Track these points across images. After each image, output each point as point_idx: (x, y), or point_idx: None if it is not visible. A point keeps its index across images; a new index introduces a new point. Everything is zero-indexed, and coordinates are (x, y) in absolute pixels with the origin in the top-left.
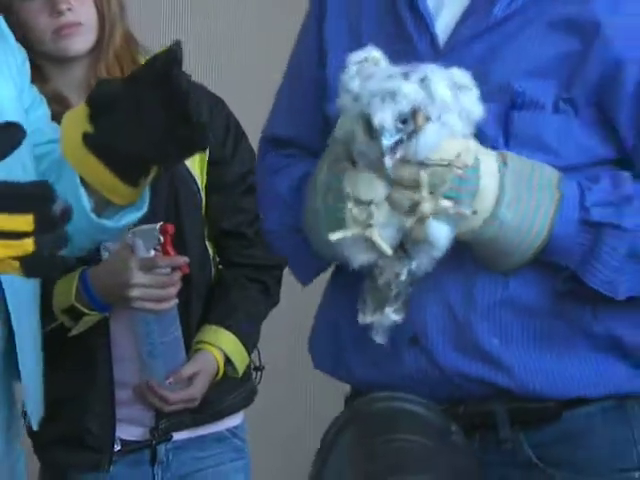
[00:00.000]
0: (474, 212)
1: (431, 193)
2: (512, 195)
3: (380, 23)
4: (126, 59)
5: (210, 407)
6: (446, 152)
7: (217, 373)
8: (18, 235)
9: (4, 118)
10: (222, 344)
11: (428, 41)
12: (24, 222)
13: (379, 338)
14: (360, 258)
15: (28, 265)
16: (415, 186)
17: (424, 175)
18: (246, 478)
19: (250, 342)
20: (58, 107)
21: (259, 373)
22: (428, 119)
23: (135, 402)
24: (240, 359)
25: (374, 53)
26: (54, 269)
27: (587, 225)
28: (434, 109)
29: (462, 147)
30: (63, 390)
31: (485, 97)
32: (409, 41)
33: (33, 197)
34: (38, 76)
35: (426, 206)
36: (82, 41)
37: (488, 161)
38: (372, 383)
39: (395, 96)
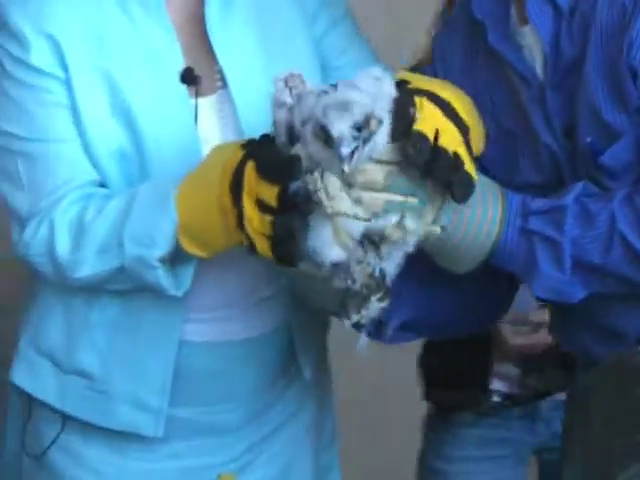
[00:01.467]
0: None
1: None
2: None
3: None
4: None
5: None
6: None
7: None
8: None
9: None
10: None
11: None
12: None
13: (362, 342)
14: (332, 254)
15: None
16: (377, 188)
17: (382, 177)
18: None
19: None
20: None
21: None
22: (380, 122)
23: None
24: None
25: (296, 70)
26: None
27: (526, 233)
28: (384, 112)
29: None
30: None
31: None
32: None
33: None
34: None
35: (395, 204)
36: None
37: None
38: None
39: (348, 106)
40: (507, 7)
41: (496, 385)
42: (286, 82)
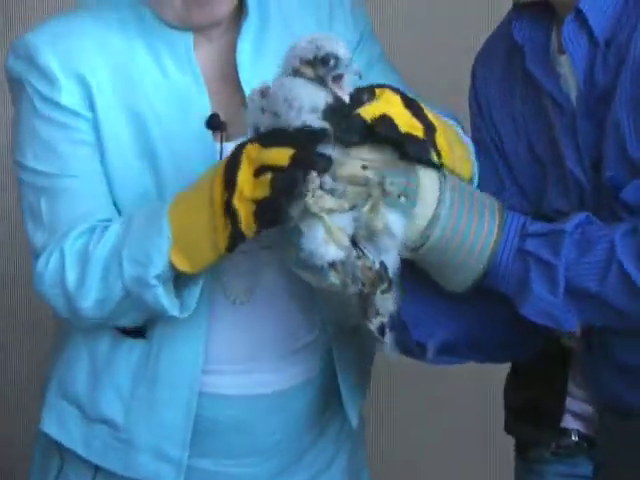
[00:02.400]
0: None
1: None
2: (453, 198)
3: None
4: None
5: None
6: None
7: None
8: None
9: None
10: None
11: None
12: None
13: (389, 343)
14: (328, 252)
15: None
16: (361, 183)
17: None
18: None
19: None
20: None
21: None
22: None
23: None
24: None
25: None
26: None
27: (522, 253)
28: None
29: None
30: None
31: None
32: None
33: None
34: None
35: (375, 193)
36: None
37: (426, 170)
38: None
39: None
40: (548, 34)
41: (571, 424)
42: (262, 93)
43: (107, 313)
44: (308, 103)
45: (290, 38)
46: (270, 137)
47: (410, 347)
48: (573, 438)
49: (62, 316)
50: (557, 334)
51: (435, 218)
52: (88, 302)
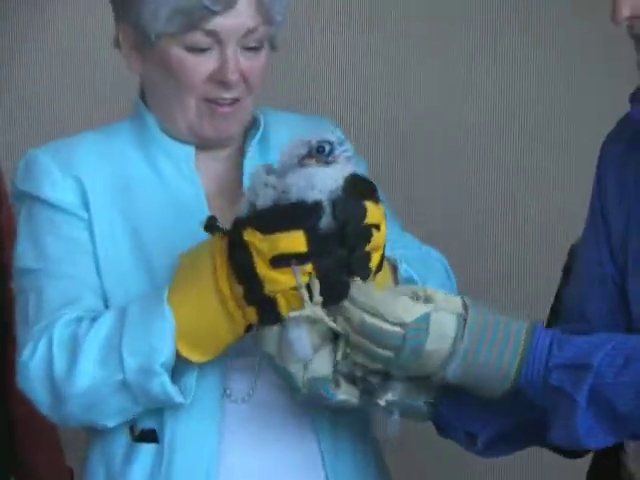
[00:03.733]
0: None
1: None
2: (471, 339)
3: None
4: None
5: None
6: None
7: None
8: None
9: None
10: None
11: None
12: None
13: (394, 423)
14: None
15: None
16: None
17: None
18: None
19: None
20: None
21: None
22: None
23: None
24: None
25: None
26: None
27: (547, 386)
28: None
29: (403, 306)
30: None
31: None
32: None
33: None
34: None
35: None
36: None
37: (442, 318)
38: None
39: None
40: None
41: None
42: (267, 170)
43: (95, 403)
44: (328, 185)
45: None
46: (264, 221)
47: (459, 437)
48: None
49: (44, 411)
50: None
51: (452, 354)
52: (81, 385)
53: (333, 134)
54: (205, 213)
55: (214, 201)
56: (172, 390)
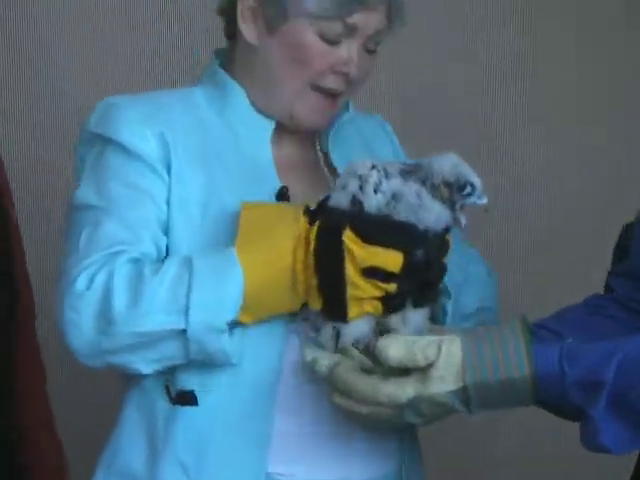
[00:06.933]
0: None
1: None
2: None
3: None
4: None
5: None
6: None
7: None
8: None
9: None
10: None
11: None
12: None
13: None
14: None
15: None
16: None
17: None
18: None
19: None
20: None
21: None
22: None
23: None
24: None
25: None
26: None
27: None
28: None
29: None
30: None
31: None
32: None
33: (405, 234)
34: None
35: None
36: None
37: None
38: None
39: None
40: None
41: None
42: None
43: (144, 345)
44: (433, 217)
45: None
46: (370, 230)
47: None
48: None
49: (77, 345)
50: None
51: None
52: (134, 327)
53: (478, 178)
54: (277, 183)
55: (283, 174)
56: (230, 349)
